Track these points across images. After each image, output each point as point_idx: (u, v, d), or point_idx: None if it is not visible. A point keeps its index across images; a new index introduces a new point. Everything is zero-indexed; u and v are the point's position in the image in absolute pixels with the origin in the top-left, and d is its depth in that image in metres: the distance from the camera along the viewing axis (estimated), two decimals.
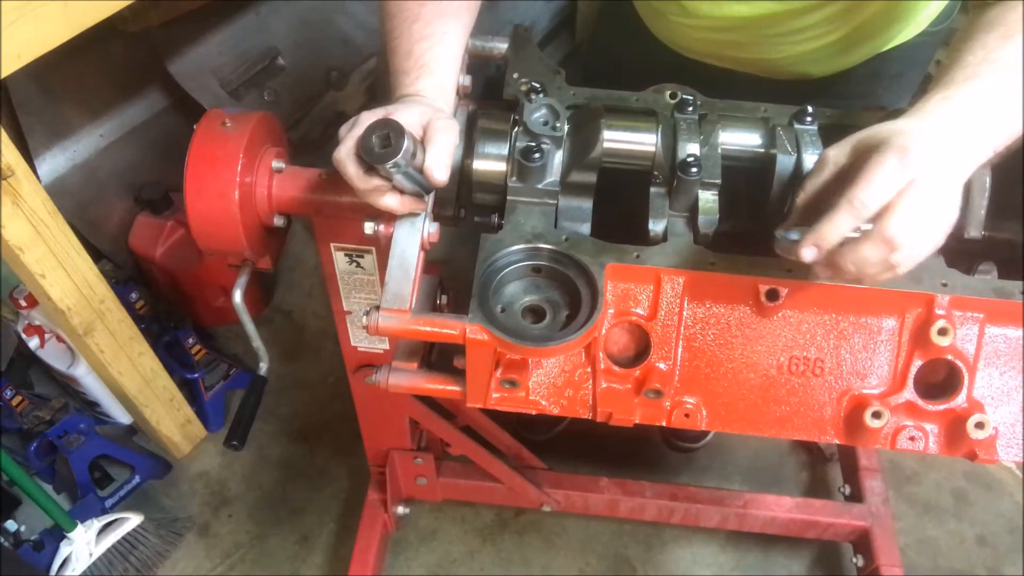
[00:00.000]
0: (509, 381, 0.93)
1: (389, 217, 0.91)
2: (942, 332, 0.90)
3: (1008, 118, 0.78)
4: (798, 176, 0.97)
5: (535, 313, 0.92)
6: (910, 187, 0.73)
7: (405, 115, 0.86)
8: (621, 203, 1.03)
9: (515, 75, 1.08)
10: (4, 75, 1.20)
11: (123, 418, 2.00)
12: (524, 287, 0.94)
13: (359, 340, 1.30)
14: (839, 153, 0.80)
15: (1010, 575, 1.89)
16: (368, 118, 0.84)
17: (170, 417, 1.93)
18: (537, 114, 0.97)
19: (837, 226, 0.74)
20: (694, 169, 0.95)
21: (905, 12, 1.14)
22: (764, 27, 1.14)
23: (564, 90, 1.09)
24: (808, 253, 0.76)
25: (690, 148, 0.98)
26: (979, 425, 0.90)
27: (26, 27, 1.18)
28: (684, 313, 0.94)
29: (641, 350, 0.95)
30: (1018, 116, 0.79)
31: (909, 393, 0.93)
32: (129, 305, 1.88)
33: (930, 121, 0.77)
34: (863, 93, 1.22)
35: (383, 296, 0.88)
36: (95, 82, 1.96)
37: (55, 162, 1.92)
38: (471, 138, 1.02)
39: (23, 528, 1.75)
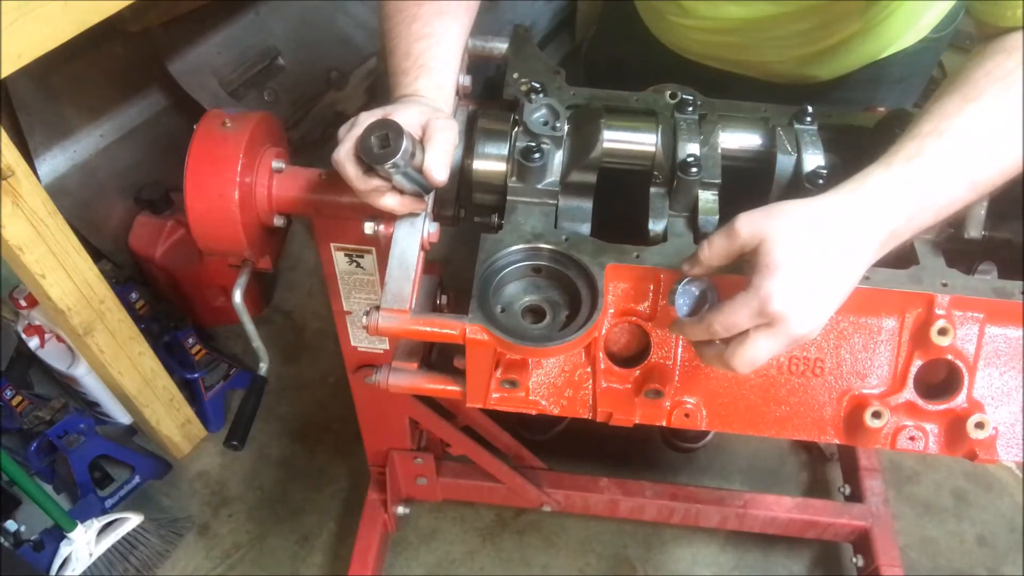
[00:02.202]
0: (509, 381, 0.93)
1: (389, 217, 0.91)
2: (942, 332, 0.90)
3: (944, 195, 0.78)
4: (798, 176, 0.97)
5: (535, 313, 0.92)
6: (767, 329, 0.75)
7: (404, 115, 0.86)
8: (621, 203, 1.03)
9: (515, 75, 1.08)
10: (4, 75, 1.20)
11: (123, 418, 2.00)
12: (524, 287, 0.94)
13: (359, 340, 1.30)
14: (751, 233, 0.77)
15: (1010, 575, 1.89)
16: (367, 118, 0.84)
17: (170, 417, 1.93)
18: (537, 114, 0.97)
19: (694, 334, 0.81)
20: (694, 169, 0.95)
21: (903, 17, 1.13)
22: (762, 29, 1.13)
23: (564, 90, 1.09)
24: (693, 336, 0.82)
25: (690, 148, 0.98)
26: (979, 425, 0.90)
27: (26, 27, 1.18)
28: None
29: (641, 350, 0.95)
30: (956, 188, 0.78)
31: (909, 393, 0.93)
32: (129, 305, 1.88)
33: (849, 211, 0.76)
34: (864, 99, 1.21)
35: (383, 296, 0.88)
36: (95, 82, 1.96)
37: (55, 162, 1.92)
38: (471, 138, 1.02)
39: (23, 528, 1.75)
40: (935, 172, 0.77)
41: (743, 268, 0.79)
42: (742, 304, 0.75)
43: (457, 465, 1.72)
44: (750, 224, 0.77)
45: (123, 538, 1.77)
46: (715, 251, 0.80)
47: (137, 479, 1.93)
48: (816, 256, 0.75)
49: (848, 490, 1.85)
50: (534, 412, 0.96)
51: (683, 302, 0.84)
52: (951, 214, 0.80)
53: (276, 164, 1.04)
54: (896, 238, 0.78)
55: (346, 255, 1.15)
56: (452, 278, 1.15)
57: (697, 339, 0.81)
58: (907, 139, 0.80)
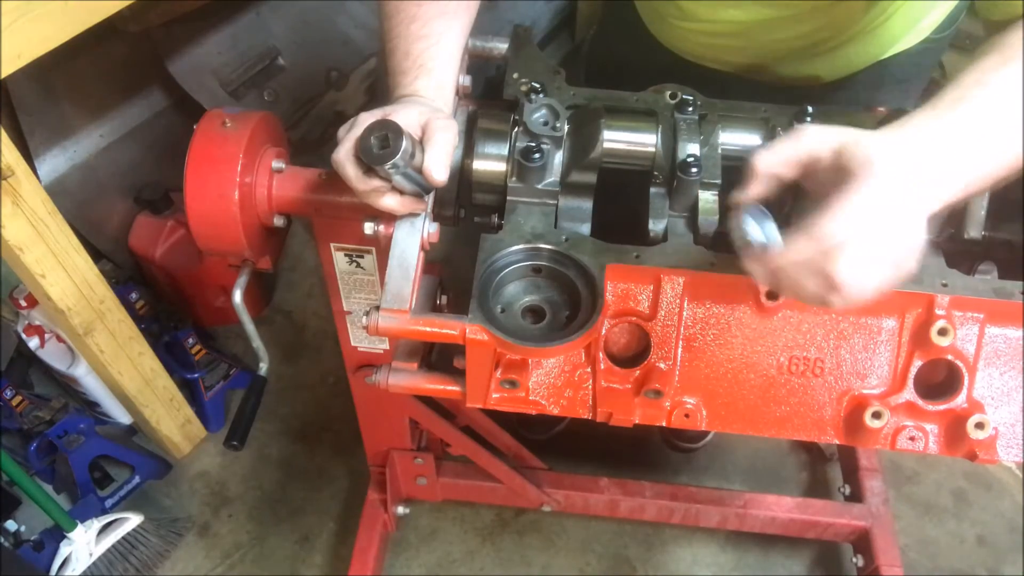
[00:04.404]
0: (509, 381, 0.93)
1: (389, 217, 0.91)
2: (942, 332, 0.90)
3: (991, 145, 0.76)
4: None
5: (535, 313, 0.92)
6: (866, 231, 0.70)
7: (403, 115, 0.85)
8: (621, 203, 1.03)
9: (515, 75, 1.08)
10: (4, 75, 1.20)
11: (123, 418, 2.00)
12: (524, 287, 0.94)
13: (359, 340, 1.30)
14: (821, 143, 0.74)
15: (1010, 575, 1.89)
16: (366, 119, 0.84)
17: (170, 417, 1.93)
18: (537, 114, 0.97)
19: (798, 251, 0.71)
20: (694, 169, 0.95)
21: (904, 18, 1.13)
22: (762, 32, 1.13)
23: (564, 90, 1.09)
24: (758, 272, 0.75)
25: (690, 148, 0.98)
26: (979, 425, 0.90)
27: (26, 27, 1.18)
28: (684, 313, 0.94)
29: (641, 350, 0.95)
30: (1005, 143, 0.76)
31: (909, 393, 0.93)
32: (129, 305, 1.88)
33: (911, 143, 0.73)
34: (865, 100, 1.21)
35: (383, 296, 0.88)
36: (95, 82, 1.96)
37: (55, 162, 1.92)
38: (471, 138, 1.02)
39: (23, 528, 1.75)
40: (982, 118, 0.75)
41: (814, 187, 0.74)
42: (860, 198, 0.69)
43: (457, 465, 1.72)
44: (821, 133, 0.74)
45: (123, 538, 1.77)
46: (781, 154, 0.75)
47: (137, 479, 1.93)
48: (896, 176, 0.70)
49: (848, 490, 1.85)
50: (534, 412, 0.96)
51: (751, 228, 0.77)
52: (1000, 177, 0.77)
53: (276, 164, 1.04)
54: (940, 187, 0.73)
55: (346, 255, 1.15)
56: (452, 278, 1.15)
57: (802, 248, 0.71)
58: (950, 89, 0.77)
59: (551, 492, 1.70)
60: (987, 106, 0.76)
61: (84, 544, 1.72)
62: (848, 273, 0.70)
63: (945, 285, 0.91)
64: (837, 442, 0.96)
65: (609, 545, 1.90)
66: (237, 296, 1.08)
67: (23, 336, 1.87)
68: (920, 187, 0.72)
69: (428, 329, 0.88)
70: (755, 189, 0.79)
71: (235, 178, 0.98)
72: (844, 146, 0.72)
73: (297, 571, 1.86)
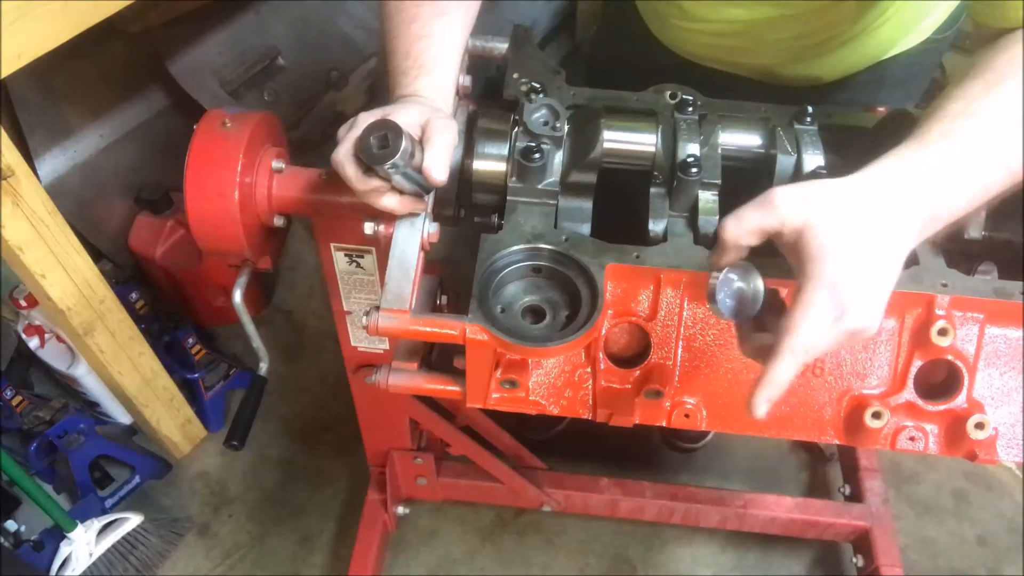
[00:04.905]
0: (509, 381, 0.93)
1: (389, 217, 0.91)
2: (942, 332, 0.90)
3: (978, 175, 0.76)
4: (798, 176, 0.97)
5: (535, 313, 0.92)
6: (838, 322, 0.71)
7: (403, 115, 0.85)
8: (621, 203, 1.03)
9: (515, 75, 1.08)
10: (4, 75, 1.20)
11: (123, 418, 2.00)
12: (524, 287, 0.94)
13: (359, 340, 1.30)
14: (787, 218, 0.73)
15: (1010, 575, 1.89)
16: (366, 119, 0.84)
17: (170, 417, 1.93)
18: (537, 114, 0.97)
19: (785, 372, 0.72)
20: (694, 169, 0.95)
21: (904, 19, 1.13)
22: (763, 31, 1.13)
23: (564, 90, 1.09)
24: (761, 409, 0.75)
25: (690, 148, 0.98)
26: (979, 425, 0.90)
27: (26, 27, 1.18)
28: (684, 313, 0.94)
29: (641, 350, 0.95)
30: (992, 170, 0.76)
31: (909, 393, 0.93)
32: (129, 305, 1.88)
33: (899, 178, 0.74)
34: (866, 100, 1.21)
35: (383, 296, 0.88)
36: (95, 82, 1.96)
37: (55, 162, 1.92)
38: (471, 138, 1.02)
39: (23, 528, 1.75)
40: (969, 151, 0.76)
41: (783, 252, 0.75)
42: (818, 307, 0.70)
43: (457, 465, 1.72)
44: (791, 202, 0.72)
45: (123, 538, 1.77)
46: (748, 225, 0.74)
47: (137, 479, 1.93)
48: (868, 237, 0.71)
49: (848, 490, 1.85)
50: (534, 412, 0.96)
51: (724, 296, 0.77)
52: (984, 202, 0.78)
53: (276, 164, 1.04)
54: (935, 221, 0.75)
55: (346, 255, 1.15)
56: (452, 278, 1.15)
57: (787, 369, 0.72)
58: (935, 121, 0.78)
59: (551, 492, 1.70)
60: (974, 137, 0.76)
61: (84, 544, 1.72)
62: (850, 290, 0.71)
63: (945, 285, 0.91)
64: (837, 442, 0.96)
65: (609, 545, 1.90)
66: (237, 296, 1.08)
67: (23, 336, 1.87)
68: (911, 220, 0.73)
69: (428, 329, 0.87)
70: (727, 258, 0.78)
71: (235, 178, 0.98)
72: (805, 229, 0.72)
73: (297, 571, 1.86)
